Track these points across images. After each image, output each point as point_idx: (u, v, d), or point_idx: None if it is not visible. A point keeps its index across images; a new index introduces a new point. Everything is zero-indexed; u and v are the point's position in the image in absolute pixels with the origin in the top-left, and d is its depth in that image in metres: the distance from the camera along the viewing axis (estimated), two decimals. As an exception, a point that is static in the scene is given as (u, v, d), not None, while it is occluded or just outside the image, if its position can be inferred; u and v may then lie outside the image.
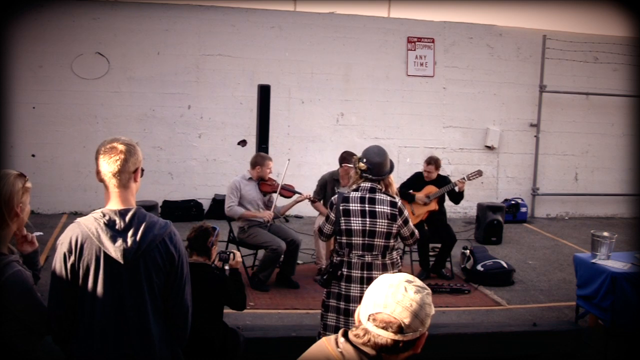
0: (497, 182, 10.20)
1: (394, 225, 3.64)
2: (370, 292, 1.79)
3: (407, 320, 1.71)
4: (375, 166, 3.66)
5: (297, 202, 6.26)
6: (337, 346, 1.79)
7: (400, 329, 1.71)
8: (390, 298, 1.72)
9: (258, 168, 6.11)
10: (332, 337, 1.85)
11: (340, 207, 3.65)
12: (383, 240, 3.64)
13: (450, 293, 6.20)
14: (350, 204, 3.64)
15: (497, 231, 8.32)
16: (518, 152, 10.22)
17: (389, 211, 3.62)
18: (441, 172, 6.78)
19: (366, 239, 3.62)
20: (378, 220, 3.61)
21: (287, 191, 6.29)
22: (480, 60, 9.92)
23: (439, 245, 6.73)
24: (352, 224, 3.62)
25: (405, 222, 3.70)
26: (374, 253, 3.63)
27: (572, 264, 5.53)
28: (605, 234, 5.25)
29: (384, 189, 3.71)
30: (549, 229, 9.41)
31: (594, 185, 10.51)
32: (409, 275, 1.81)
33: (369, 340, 1.74)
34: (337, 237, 3.73)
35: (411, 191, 6.61)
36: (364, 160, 3.69)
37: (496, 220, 8.30)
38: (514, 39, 10.04)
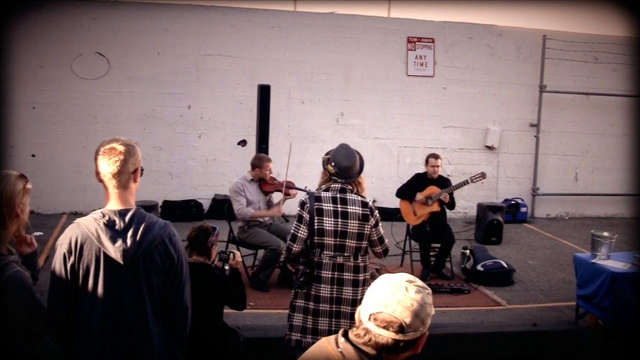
0: (497, 182, 10.20)
1: (366, 225, 3.59)
2: (371, 291, 1.79)
3: (408, 320, 1.71)
4: (344, 170, 3.61)
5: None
6: (337, 346, 1.79)
7: (401, 329, 1.71)
8: (391, 298, 1.72)
9: (257, 170, 6.12)
10: (332, 337, 1.85)
11: (314, 206, 3.57)
12: (355, 242, 3.58)
13: (450, 293, 6.20)
14: (323, 204, 3.57)
15: (497, 231, 8.32)
16: (518, 152, 10.22)
17: (360, 212, 3.57)
18: (441, 173, 6.78)
19: (338, 239, 3.56)
20: (350, 221, 3.55)
21: (291, 189, 6.29)
22: (480, 60, 9.92)
23: (438, 246, 6.73)
24: (325, 224, 3.55)
25: (376, 224, 3.64)
26: (345, 254, 3.58)
27: (572, 264, 5.52)
28: (605, 234, 5.25)
29: (355, 190, 3.67)
30: (549, 229, 9.41)
31: (594, 185, 10.51)
32: (410, 275, 1.81)
33: (369, 340, 1.73)
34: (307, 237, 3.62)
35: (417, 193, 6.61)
36: (333, 164, 3.63)
37: (496, 220, 8.30)
38: (514, 39, 10.04)
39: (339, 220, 3.56)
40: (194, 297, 2.55)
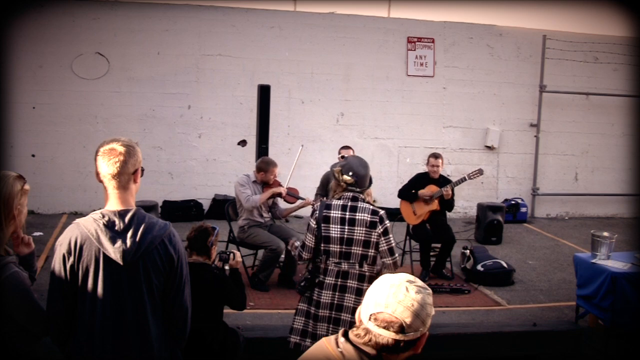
0: (497, 182, 10.20)
1: (373, 232, 3.54)
2: (372, 291, 1.79)
3: (408, 320, 1.70)
4: (361, 178, 3.62)
5: (300, 207, 6.25)
6: (337, 346, 1.79)
7: (401, 329, 1.71)
8: (392, 298, 1.72)
9: (262, 174, 6.09)
10: (332, 337, 1.84)
11: (322, 214, 3.59)
12: (361, 249, 3.56)
13: (450, 293, 6.20)
14: (332, 211, 3.58)
15: (497, 231, 8.32)
16: (518, 152, 10.22)
17: (368, 219, 3.55)
18: (442, 172, 6.78)
19: (343, 246, 3.56)
20: (356, 228, 3.54)
21: (291, 197, 6.26)
22: (480, 60, 9.92)
23: (438, 246, 6.73)
24: (331, 231, 3.56)
25: (385, 232, 3.57)
26: (350, 261, 3.57)
27: (572, 264, 5.52)
28: (605, 234, 5.25)
29: (366, 199, 3.67)
30: (549, 229, 9.41)
31: (594, 185, 10.51)
32: (410, 276, 1.81)
33: (369, 340, 1.73)
34: (315, 244, 3.63)
35: (413, 191, 6.61)
36: (350, 173, 3.61)
37: (496, 220, 8.30)
38: (514, 39, 10.04)
39: (346, 227, 3.55)
40: (194, 297, 2.55)
